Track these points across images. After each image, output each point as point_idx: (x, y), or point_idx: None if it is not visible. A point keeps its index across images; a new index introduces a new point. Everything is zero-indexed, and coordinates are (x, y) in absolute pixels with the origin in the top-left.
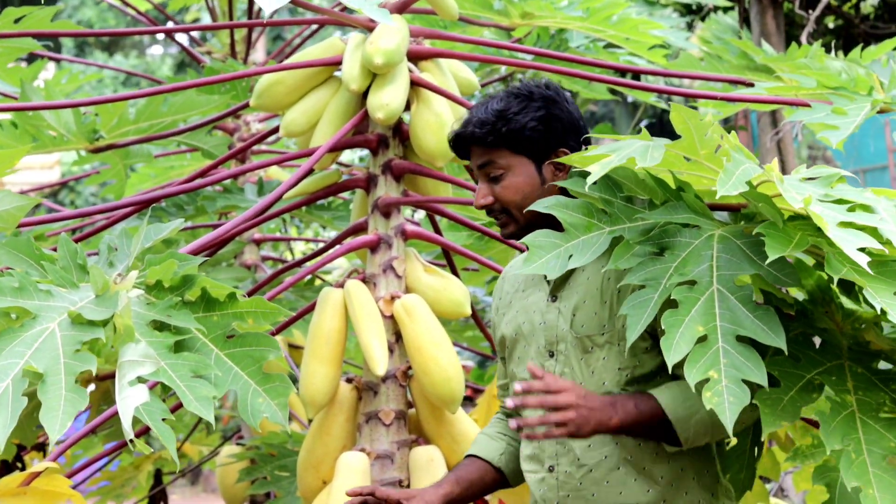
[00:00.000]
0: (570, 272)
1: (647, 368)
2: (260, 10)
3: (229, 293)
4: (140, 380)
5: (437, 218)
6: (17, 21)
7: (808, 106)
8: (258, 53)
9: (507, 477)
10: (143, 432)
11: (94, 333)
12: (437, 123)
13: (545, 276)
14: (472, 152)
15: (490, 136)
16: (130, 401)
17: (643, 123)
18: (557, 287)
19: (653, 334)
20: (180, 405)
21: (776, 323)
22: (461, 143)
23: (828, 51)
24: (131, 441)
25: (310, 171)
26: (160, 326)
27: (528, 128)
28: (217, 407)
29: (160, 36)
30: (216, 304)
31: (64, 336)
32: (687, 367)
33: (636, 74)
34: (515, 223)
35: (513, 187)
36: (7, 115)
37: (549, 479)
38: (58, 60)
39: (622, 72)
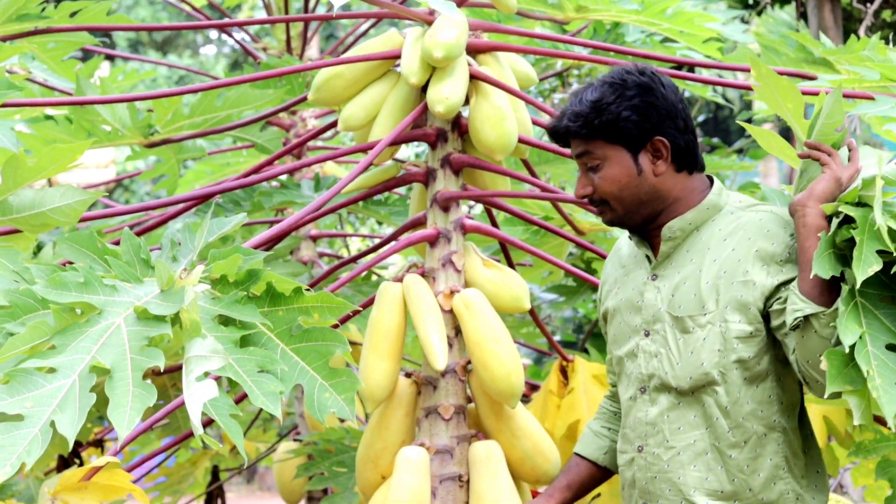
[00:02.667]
0: (672, 252)
1: (746, 354)
2: (315, 5)
3: (295, 288)
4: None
5: (495, 212)
6: (72, 15)
7: (872, 99)
8: (312, 51)
9: (612, 472)
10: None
11: (160, 329)
12: (496, 117)
13: (647, 255)
14: (571, 143)
15: (585, 128)
16: (199, 396)
17: (700, 119)
18: (658, 266)
19: (765, 319)
20: (238, 401)
21: None
22: (557, 136)
23: (886, 44)
24: (200, 436)
25: (370, 165)
26: (225, 321)
27: (622, 118)
28: None
29: (214, 35)
30: (282, 298)
31: (130, 331)
32: None
33: (692, 69)
34: (613, 212)
35: (609, 178)
36: (60, 110)
37: (638, 460)
38: (112, 58)
39: (679, 66)
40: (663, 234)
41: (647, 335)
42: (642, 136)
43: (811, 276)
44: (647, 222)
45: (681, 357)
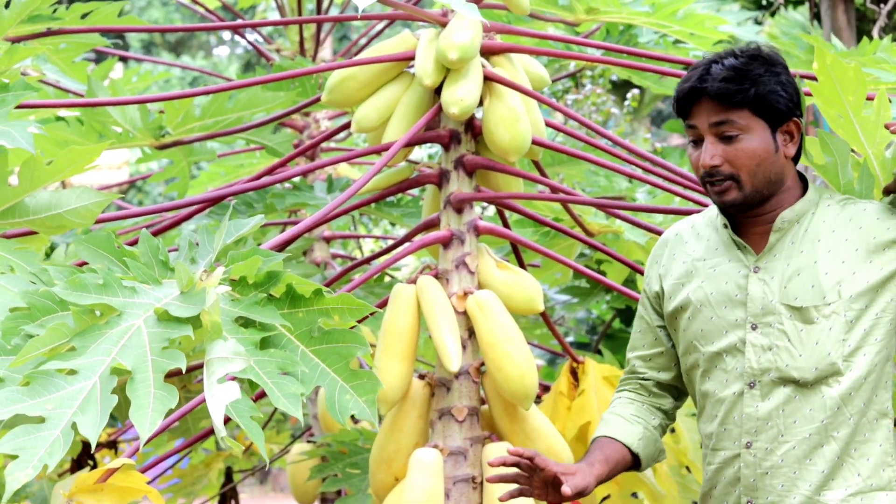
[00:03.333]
0: (774, 244)
1: (871, 342)
2: (328, 6)
3: (315, 289)
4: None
5: (506, 213)
6: (83, 17)
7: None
8: (326, 52)
9: (640, 461)
10: (212, 431)
11: (181, 331)
12: (510, 118)
13: (738, 247)
14: (703, 109)
15: (738, 94)
16: (221, 398)
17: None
18: (761, 258)
19: (882, 302)
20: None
21: None
22: (694, 97)
23: None
24: (224, 438)
25: (384, 167)
26: (245, 323)
27: (773, 91)
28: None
29: (227, 36)
30: (301, 300)
31: (151, 333)
32: None
33: None
34: (740, 190)
35: (749, 151)
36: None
37: (745, 456)
38: (126, 59)
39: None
40: (775, 225)
41: (754, 329)
42: (786, 113)
43: None
44: (757, 206)
45: (804, 348)
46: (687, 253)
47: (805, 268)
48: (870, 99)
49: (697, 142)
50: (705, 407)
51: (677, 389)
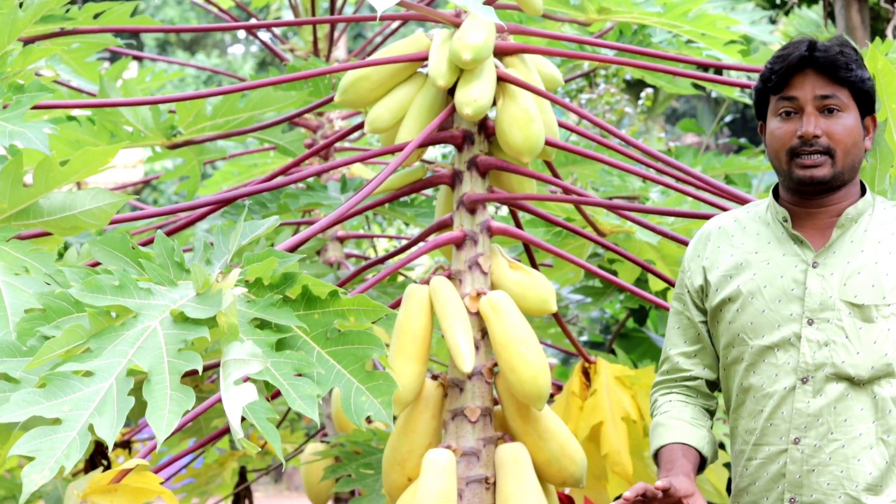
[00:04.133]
0: (834, 241)
1: None
2: (342, 6)
3: (331, 291)
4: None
5: (518, 214)
6: (96, 17)
7: None
8: (340, 51)
9: (706, 464)
10: (226, 431)
11: (198, 332)
12: (524, 119)
13: (795, 241)
14: (808, 81)
15: (846, 69)
16: (237, 400)
17: (727, 119)
18: (820, 254)
19: None
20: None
21: None
22: (800, 67)
23: None
24: (240, 440)
25: (398, 168)
26: (261, 325)
27: (868, 78)
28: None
29: (241, 35)
30: (317, 301)
31: (167, 335)
32: None
33: (718, 70)
34: (832, 166)
35: (848, 128)
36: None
37: (792, 452)
38: (140, 59)
39: (705, 67)
40: (839, 221)
41: (810, 324)
42: (872, 104)
43: None
44: (828, 193)
45: (862, 346)
46: (734, 245)
47: (866, 267)
48: None
49: (789, 114)
50: (746, 402)
51: (718, 388)
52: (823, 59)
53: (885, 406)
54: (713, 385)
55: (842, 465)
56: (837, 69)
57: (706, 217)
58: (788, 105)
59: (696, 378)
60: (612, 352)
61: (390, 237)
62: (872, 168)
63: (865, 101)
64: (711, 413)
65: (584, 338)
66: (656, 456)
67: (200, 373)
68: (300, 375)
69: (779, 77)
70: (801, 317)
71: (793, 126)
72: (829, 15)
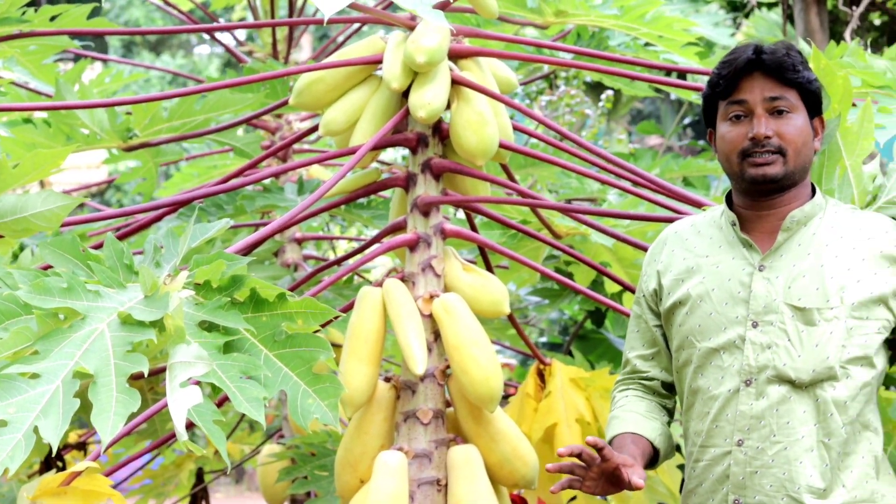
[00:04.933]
0: (782, 244)
1: (869, 351)
2: (301, 8)
3: (279, 293)
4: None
5: (473, 216)
6: (52, 19)
7: (854, 105)
8: (303, 53)
9: (658, 458)
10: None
11: (144, 334)
12: (478, 122)
13: (744, 245)
14: (756, 84)
15: (793, 71)
16: (183, 402)
17: (686, 121)
18: (766, 258)
19: (882, 316)
20: (219, 404)
21: None
22: (748, 70)
23: (873, 48)
24: (183, 442)
25: (351, 170)
26: (209, 327)
27: (814, 79)
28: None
29: (207, 36)
30: (265, 304)
31: (114, 337)
32: None
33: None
34: (784, 164)
35: (798, 128)
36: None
37: (736, 454)
38: (104, 61)
39: (668, 71)
40: (784, 224)
41: (755, 326)
42: (820, 106)
43: None
44: (778, 193)
45: (804, 349)
46: (688, 250)
47: (811, 270)
48: (855, 105)
49: (739, 118)
50: (695, 404)
51: (675, 390)
52: (771, 61)
53: (826, 409)
54: (671, 387)
55: (784, 467)
56: (785, 71)
57: (660, 220)
58: (738, 109)
59: (653, 378)
60: (570, 353)
61: (349, 239)
62: (820, 166)
63: (813, 101)
64: (669, 411)
65: (544, 339)
66: (609, 443)
67: (146, 375)
68: (247, 378)
69: (727, 81)
70: (746, 319)
71: (743, 129)
72: (789, 18)
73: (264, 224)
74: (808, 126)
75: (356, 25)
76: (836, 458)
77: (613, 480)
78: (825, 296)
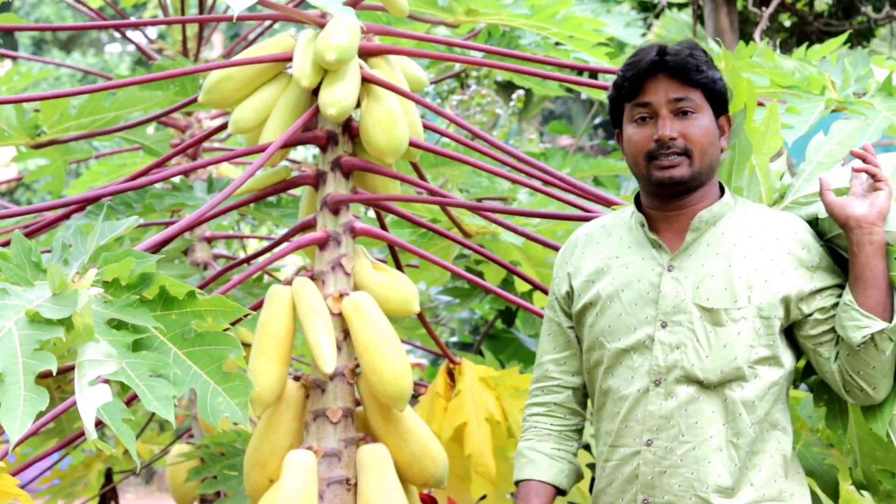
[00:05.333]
0: (690, 244)
1: (775, 352)
2: (212, 6)
3: (188, 291)
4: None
5: (383, 214)
6: None
7: (762, 105)
8: (215, 51)
9: (566, 492)
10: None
11: (53, 332)
12: (388, 120)
13: (653, 245)
14: (661, 85)
15: (696, 72)
16: (92, 401)
17: (597, 121)
18: (675, 258)
19: (788, 317)
20: (129, 402)
21: None
22: (652, 72)
23: (782, 48)
24: (93, 441)
25: (261, 168)
26: (118, 325)
27: (718, 79)
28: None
29: (118, 34)
30: (175, 302)
31: (22, 335)
32: None
33: (593, 74)
34: (690, 166)
35: (703, 128)
36: None
37: (645, 454)
38: (14, 58)
39: (578, 71)
40: (693, 225)
41: (663, 326)
42: (725, 105)
43: (878, 293)
44: (686, 194)
45: (711, 350)
46: (598, 251)
47: (719, 270)
48: (760, 105)
49: (645, 119)
50: (605, 404)
51: (587, 396)
52: (674, 62)
53: (735, 409)
54: (580, 393)
55: (692, 466)
56: (688, 72)
57: (570, 218)
58: (643, 111)
59: (564, 388)
60: (481, 353)
61: (259, 237)
62: (730, 162)
63: (718, 101)
64: (579, 432)
65: (454, 338)
66: (517, 484)
67: (55, 373)
68: (157, 376)
69: (631, 84)
70: (655, 319)
71: (649, 131)
72: (699, 18)
73: (173, 223)
74: (714, 125)
75: (268, 23)
76: (744, 457)
77: None
78: (733, 296)
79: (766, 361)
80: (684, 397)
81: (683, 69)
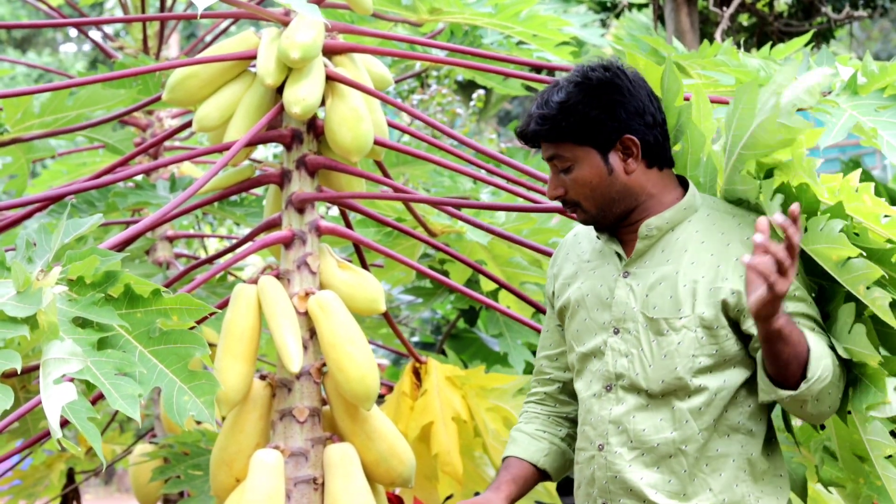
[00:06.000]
0: (646, 250)
1: (720, 359)
2: (173, 4)
3: (154, 290)
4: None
5: (349, 214)
6: None
7: (727, 103)
8: (171, 51)
9: (551, 474)
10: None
11: (17, 331)
12: (352, 118)
13: (616, 252)
14: (541, 146)
15: (553, 131)
16: (57, 399)
17: None
18: (631, 264)
19: (734, 323)
20: (93, 402)
21: None
22: (526, 139)
23: (738, 48)
24: (59, 441)
25: (225, 167)
26: (83, 323)
27: (590, 119)
28: None
29: (73, 33)
30: (140, 300)
31: None
32: None
33: (551, 71)
34: (586, 213)
35: (580, 180)
36: None
37: (598, 458)
38: None
39: (537, 69)
40: (640, 232)
41: (616, 333)
42: (611, 135)
43: (779, 368)
44: (620, 220)
45: (654, 360)
46: (578, 254)
47: (667, 278)
48: (713, 101)
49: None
50: (578, 406)
51: None
52: (529, 132)
53: (682, 417)
54: (572, 389)
55: (640, 472)
56: (543, 136)
57: (535, 210)
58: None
59: (556, 382)
60: (443, 352)
61: (221, 237)
62: (684, 153)
63: (597, 138)
64: (573, 420)
65: (416, 338)
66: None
67: (20, 372)
68: (122, 375)
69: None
70: (609, 325)
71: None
72: (660, 18)
73: (135, 221)
74: (599, 166)
75: (225, 24)
76: (693, 463)
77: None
78: (677, 304)
79: (711, 370)
80: (633, 404)
81: (536, 137)
